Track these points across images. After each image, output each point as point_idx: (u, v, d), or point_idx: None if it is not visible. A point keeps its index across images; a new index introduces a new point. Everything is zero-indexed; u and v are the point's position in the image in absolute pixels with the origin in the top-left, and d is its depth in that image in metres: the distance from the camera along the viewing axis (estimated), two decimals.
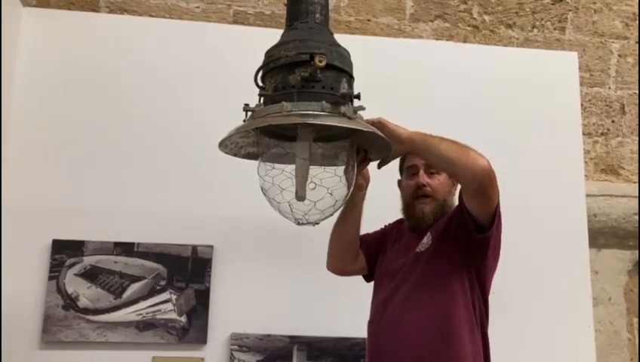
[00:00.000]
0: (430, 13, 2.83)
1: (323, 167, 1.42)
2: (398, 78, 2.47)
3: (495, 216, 1.49)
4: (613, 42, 2.93)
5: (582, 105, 2.69)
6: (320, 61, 1.20)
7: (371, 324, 1.69)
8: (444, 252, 1.57)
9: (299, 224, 1.36)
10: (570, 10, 2.92)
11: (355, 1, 2.78)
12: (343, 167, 1.41)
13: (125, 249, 2.20)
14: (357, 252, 1.79)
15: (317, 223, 1.36)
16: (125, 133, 2.31)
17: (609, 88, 2.90)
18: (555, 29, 2.90)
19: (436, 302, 1.54)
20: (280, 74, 1.27)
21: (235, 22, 2.67)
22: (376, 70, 2.45)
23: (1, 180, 2.16)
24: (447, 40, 2.79)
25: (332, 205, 1.36)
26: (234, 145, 1.45)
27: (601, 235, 2.72)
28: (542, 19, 2.89)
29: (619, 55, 2.92)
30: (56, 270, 2.15)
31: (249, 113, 1.29)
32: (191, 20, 2.62)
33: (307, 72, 1.22)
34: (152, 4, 2.64)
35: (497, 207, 1.50)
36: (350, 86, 1.30)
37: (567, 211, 2.47)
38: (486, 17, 2.86)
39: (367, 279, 1.83)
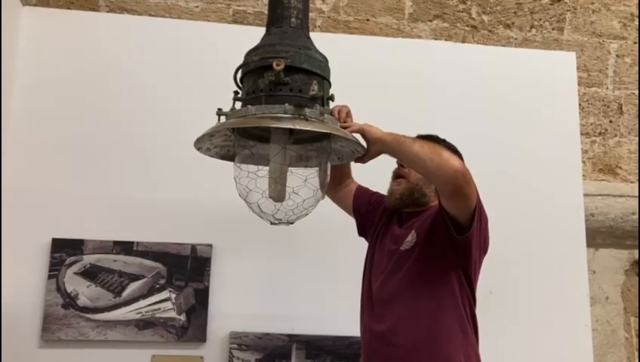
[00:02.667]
0: (429, 13, 2.83)
1: (300, 167, 1.44)
2: (397, 78, 2.48)
3: (475, 216, 1.48)
4: (611, 42, 2.94)
5: (580, 105, 2.70)
6: (278, 65, 1.22)
7: (361, 323, 1.70)
8: (428, 252, 1.56)
9: (272, 224, 1.39)
10: (568, 11, 2.93)
11: (354, 0, 2.79)
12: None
13: (125, 248, 2.20)
14: (343, 182, 1.86)
15: (292, 223, 1.38)
16: (125, 132, 2.31)
17: (607, 88, 2.92)
18: (553, 29, 2.91)
19: (422, 304, 1.54)
20: (251, 78, 1.30)
21: (235, 21, 2.68)
22: (374, 70, 2.47)
23: (1, 179, 2.16)
24: (445, 40, 2.80)
25: (302, 205, 1.38)
26: (218, 148, 1.47)
27: (599, 235, 2.73)
28: (540, 19, 2.91)
29: (617, 55, 2.93)
30: (55, 269, 2.15)
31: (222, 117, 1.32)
32: (190, 19, 2.62)
33: (273, 76, 1.24)
34: (152, 3, 2.64)
35: (477, 205, 1.48)
36: (322, 88, 1.31)
37: (564, 211, 2.47)
38: (485, 17, 2.87)
39: (359, 233, 1.87)
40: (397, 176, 1.71)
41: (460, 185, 1.41)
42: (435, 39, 2.80)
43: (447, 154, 1.42)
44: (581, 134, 2.63)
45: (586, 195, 2.57)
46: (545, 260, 2.42)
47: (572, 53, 2.69)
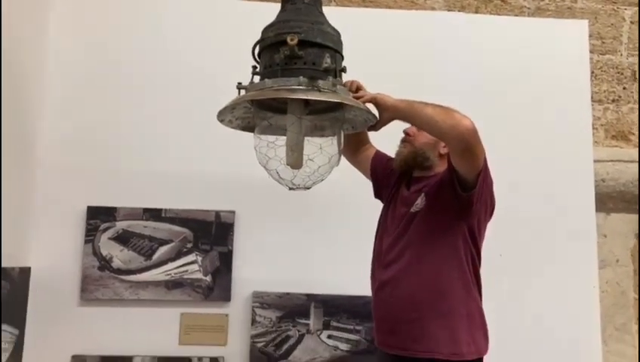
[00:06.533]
0: None
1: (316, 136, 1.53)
2: (411, 50, 2.53)
3: (480, 175, 1.57)
4: (625, 9, 2.93)
5: (593, 72, 2.71)
6: (291, 40, 1.30)
7: (372, 279, 1.81)
8: (435, 211, 1.65)
9: (290, 189, 1.49)
10: None
11: None
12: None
13: (154, 214, 2.34)
14: (361, 148, 1.96)
15: (309, 188, 1.49)
16: (153, 107, 2.42)
17: (621, 55, 2.92)
18: None
19: (426, 259, 1.64)
20: (268, 53, 1.39)
21: None
22: (389, 42, 2.52)
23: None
24: (459, 11, 2.83)
25: (318, 171, 1.47)
26: (240, 120, 1.57)
27: (610, 200, 2.76)
28: None
29: (631, 22, 2.92)
30: (91, 234, 2.31)
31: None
32: None
33: (288, 50, 1.32)
34: None
35: (484, 165, 1.58)
36: (334, 61, 1.39)
37: (574, 175, 2.50)
38: None
39: (375, 195, 1.96)
40: (403, 140, 1.81)
41: (472, 144, 1.51)
42: (449, 10, 2.83)
43: (458, 115, 1.52)
44: (594, 101, 2.65)
45: (597, 161, 2.60)
46: (554, 224, 2.47)
47: (584, 20, 2.69)
